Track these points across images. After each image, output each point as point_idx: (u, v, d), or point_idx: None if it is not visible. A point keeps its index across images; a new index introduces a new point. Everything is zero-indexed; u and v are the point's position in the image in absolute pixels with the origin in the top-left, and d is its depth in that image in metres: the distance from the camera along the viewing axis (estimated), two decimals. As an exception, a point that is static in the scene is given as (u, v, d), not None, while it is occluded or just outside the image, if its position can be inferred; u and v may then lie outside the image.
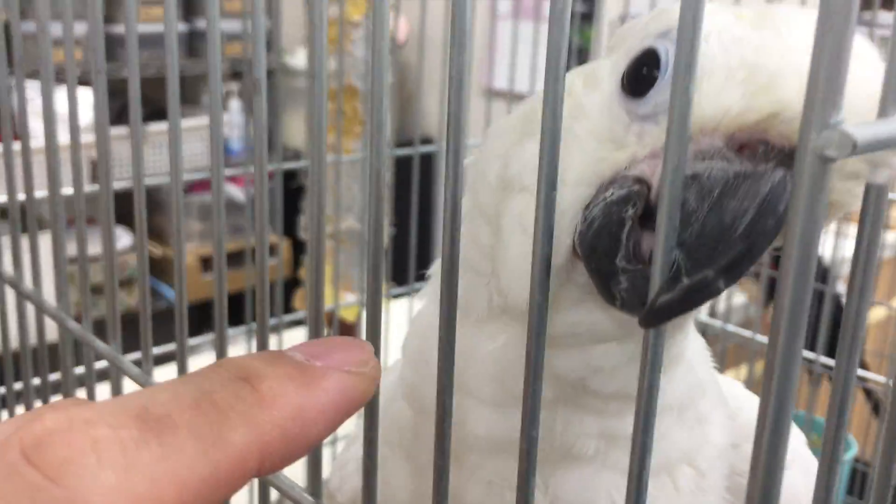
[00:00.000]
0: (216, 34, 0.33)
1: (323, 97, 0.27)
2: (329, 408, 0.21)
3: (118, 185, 0.61)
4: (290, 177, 1.19)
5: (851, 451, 0.90)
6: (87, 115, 0.56)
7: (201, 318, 1.13)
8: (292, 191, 1.43)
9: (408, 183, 1.04)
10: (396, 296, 1.12)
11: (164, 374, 0.41)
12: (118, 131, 0.48)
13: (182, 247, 0.40)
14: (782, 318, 0.15)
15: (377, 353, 0.27)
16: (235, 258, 1.65)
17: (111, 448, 0.18)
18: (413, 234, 0.99)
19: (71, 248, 0.50)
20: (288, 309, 1.26)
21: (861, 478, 1.00)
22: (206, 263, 2.80)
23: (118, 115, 1.09)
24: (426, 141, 1.09)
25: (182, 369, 0.41)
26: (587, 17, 2.96)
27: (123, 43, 0.42)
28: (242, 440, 0.19)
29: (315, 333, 0.29)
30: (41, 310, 0.53)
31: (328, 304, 1.02)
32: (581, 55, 2.97)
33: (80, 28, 0.47)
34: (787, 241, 0.15)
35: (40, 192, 0.55)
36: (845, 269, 1.21)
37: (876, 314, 1.27)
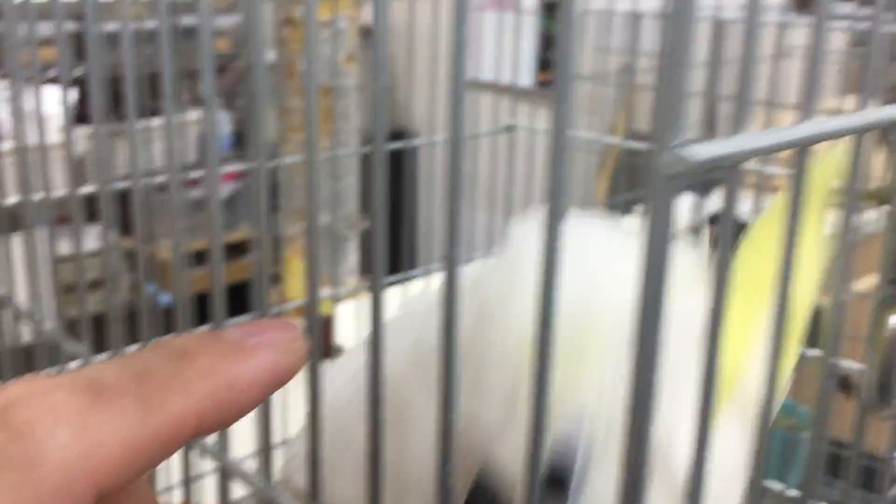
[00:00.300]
0: (166, 37, 0.35)
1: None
2: (257, 380, 0.24)
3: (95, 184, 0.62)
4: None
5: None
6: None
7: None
8: (275, 185, 1.45)
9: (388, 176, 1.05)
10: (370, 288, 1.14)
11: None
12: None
13: (143, 242, 0.42)
14: (640, 324, 0.17)
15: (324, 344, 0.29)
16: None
17: (66, 412, 0.21)
18: (403, 226, 1.00)
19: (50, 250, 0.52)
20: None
21: (831, 458, 1.03)
22: (195, 258, 2.81)
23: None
24: (397, 135, 1.11)
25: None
26: (555, 6, 2.97)
27: (98, 42, 0.44)
28: (180, 407, 0.22)
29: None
30: (16, 313, 0.54)
31: (302, 299, 1.04)
32: (550, 42, 2.99)
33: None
34: (643, 259, 0.17)
35: (13, 198, 0.57)
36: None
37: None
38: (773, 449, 0.86)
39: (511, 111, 0.89)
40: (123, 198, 0.49)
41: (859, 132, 0.23)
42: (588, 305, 0.33)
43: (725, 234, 0.19)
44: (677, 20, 0.16)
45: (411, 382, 0.37)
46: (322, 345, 1.10)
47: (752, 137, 0.18)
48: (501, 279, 0.35)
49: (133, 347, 0.76)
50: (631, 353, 0.18)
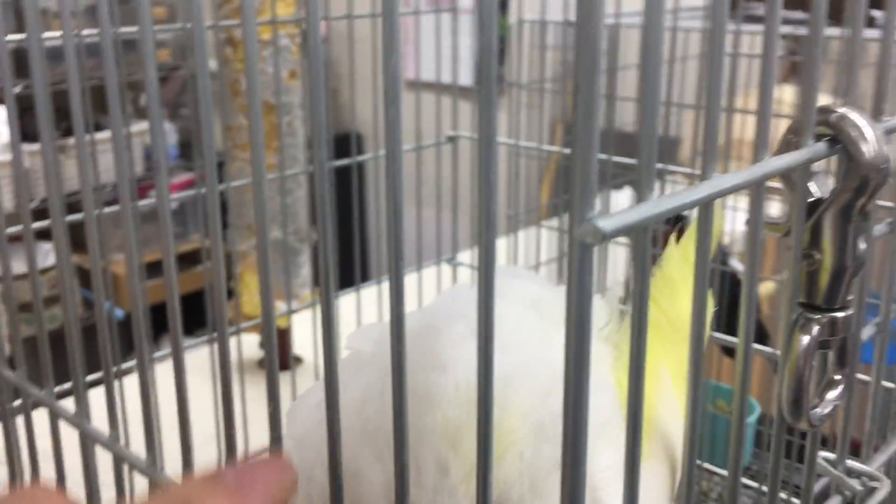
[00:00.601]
0: (111, 54, 0.36)
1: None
2: None
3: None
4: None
5: (754, 414, 0.96)
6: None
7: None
8: (224, 203, 1.44)
9: (337, 188, 1.06)
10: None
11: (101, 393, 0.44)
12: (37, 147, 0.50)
13: (97, 257, 0.42)
14: (567, 375, 0.19)
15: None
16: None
17: None
18: (354, 239, 1.01)
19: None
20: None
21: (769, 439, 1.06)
22: (147, 269, 2.78)
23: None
24: (343, 139, 1.11)
25: (110, 396, 0.44)
26: (501, 6, 3.01)
27: (45, 55, 0.44)
28: None
29: (222, 355, 0.32)
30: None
31: (258, 314, 1.04)
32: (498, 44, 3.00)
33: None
34: (567, 310, 0.20)
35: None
36: (737, 246, 1.28)
37: (766, 288, 1.36)
38: (721, 434, 0.89)
39: (452, 113, 0.90)
40: (73, 215, 0.49)
41: (756, 185, 0.25)
42: (505, 378, 0.35)
43: (639, 291, 0.21)
44: (583, 115, 0.18)
45: (357, 441, 0.39)
46: (280, 357, 1.10)
47: (655, 203, 0.21)
48: (426, 351, 0.37)
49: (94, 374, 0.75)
50: (561, 410, 0.20)
